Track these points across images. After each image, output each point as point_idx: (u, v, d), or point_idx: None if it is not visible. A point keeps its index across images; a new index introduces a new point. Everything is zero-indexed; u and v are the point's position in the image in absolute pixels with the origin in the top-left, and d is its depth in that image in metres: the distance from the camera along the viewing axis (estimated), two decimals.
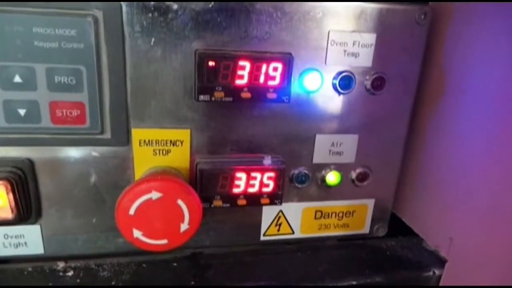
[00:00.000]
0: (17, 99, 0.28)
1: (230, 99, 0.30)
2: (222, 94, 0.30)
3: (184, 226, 0.28)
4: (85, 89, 0.29)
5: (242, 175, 0.32)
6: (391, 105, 0.35)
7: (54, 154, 0.30)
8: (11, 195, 0.28)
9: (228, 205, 0.33)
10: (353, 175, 0.36)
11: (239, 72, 0.30)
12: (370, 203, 0.38)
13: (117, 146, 0.31)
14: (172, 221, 0.28)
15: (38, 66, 0.28)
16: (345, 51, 0.33)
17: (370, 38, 0.33)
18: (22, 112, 0.29)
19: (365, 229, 0.39)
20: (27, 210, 0.30)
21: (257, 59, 0.30)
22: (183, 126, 0.31)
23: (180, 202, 0.27)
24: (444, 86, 0.35)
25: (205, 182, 0.32)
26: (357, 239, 0.39)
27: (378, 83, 0.34)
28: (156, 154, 0.32)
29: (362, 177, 0.36)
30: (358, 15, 0.32)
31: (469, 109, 0.33)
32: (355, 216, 0.38)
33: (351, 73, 0.33)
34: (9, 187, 0.28)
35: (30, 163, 0.30)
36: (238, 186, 0.33)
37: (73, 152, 0.30)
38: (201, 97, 0.30)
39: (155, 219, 0.27)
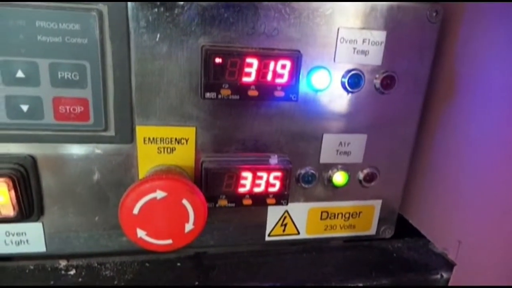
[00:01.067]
0: (19, 95, 0.28)
1: (237, 97, 0.29)
2: (228, 91, 0.29)
3: (189, 226, 0.27)
4: (89, 85, 0.28)
5: (248, 175, 0.32)
6: (400, 105, 0.34)
7: (57, 151, 0.30)
8: (13, 192, 0.28)
9: (233, 205, 0.32)
10: (361, 175, 0.36)
11: (247, 70, 0.29)
12: (377, 204, 0.37)
13: (121, 143, 0.30)
14: (176, 221, 0.27)
15: (41, 61, 0.27)
16: (354, 48, 0.32)
17: (380, 35, 0.32)
18: (24, 108, 0.28)
19: (372, 231, 0.38)
20: (29, 207, 0.30)
21: (265, 56, 0.29)
22: (188, 124, 0.31)
23: (185, 201, 0.27)
24: (455, 86, 0.35)
25: (210, 181, 0.31)
26: (363, 241, 0.39)
27: (387, 82, 0.33)
28: (160, 152, 0.31)
29: (369, 178, 0.36)
30: (369, 12, 0.31)
31: (480, 109, 0.32)
32: (361, 217, 0.37)
33: (360, 71, 0.32)
34: (11, 184, 0.28)
35: (33, 160, 0.29)
36: (243, 186, 0.32)
37: (76, 149, 0.30)
38: (207, 95, 0.29)
39: (159, 219, 0.27)
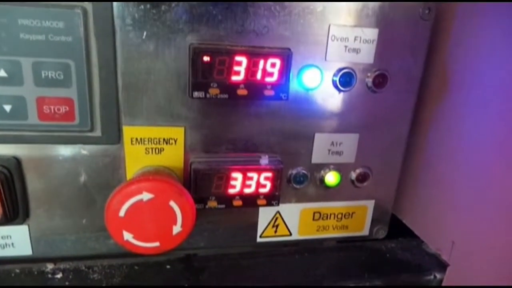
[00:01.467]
0: (2, 95, 0.27)
1: (225, 96, 0.29)
2: (217, 90, 0.28)
3: (176, 229, 0.27)
4: (74, 84, 0.28)
5: (238, 175, 0.31)
6: (392, 103, 0.34)
7: (42, 152, 0.29)
8: None
9: (223, 206, 0.32)
10: (353, 175, 0.35)
11: (235, 68, 0.28)
12: (370, 204, 0.37)
13: (107, 144, 0.29)
14: (164, 223, 0.26)
15: (24, 60, 0.27)
16: (346, 46, 0.31)
17: (372, 33, 0.31)
18: (7, 108, 0.27)
19: (365, 231, 0.38)
20: (13, 210, 0.29)
21: (254, 55, 0.28)
22: (176, 123, 0.30)
23: (172, 203, 0.26)
24: (448, 84, 0.34)
25: (199, 183, 0.31)
26: (356, 241, 0.38)
27: (379, 81, 0.32)
28: (148, 152, 0.30)
29: (362, 178, 0.35)
30: (360, 9, 0.31)
31: (474, 108, 0.32)
32: (354, 218, 0.37)
33: (352, 70, 0.32)
34: None
35: (17, 161, 0.28)
36: (233, 187, 0.31)
37: (62, 150, 0.29)
38: (196, 94, 0.28)
39: (147, 221, 0.26)
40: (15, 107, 0.27)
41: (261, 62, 0.29)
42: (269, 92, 0.29)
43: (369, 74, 0.32)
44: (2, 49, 0.26)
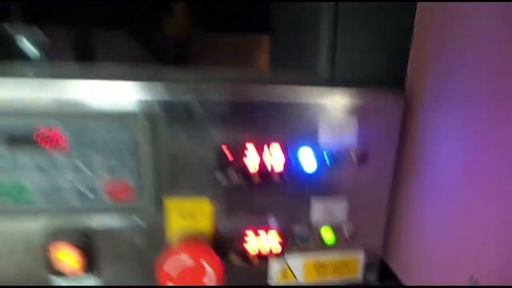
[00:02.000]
0: (84, 184, 0.38)
1: (244, 182, 0.39)
2: (237, 178, 0.38)
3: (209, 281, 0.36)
4: (133, 173, 0.38)
5: (251, 234, 0.41)
6: (375, 175, 0.43)
7: (110, 223, 0.40)
8: (80, 258, 0.38)
9: (240, 259, 0.41)
10: (346, 232, 0.44)
11: (251, 161, 0.38)
12: (361, 255, 0.45)
13: (155, 215, 0.40)
14: (199, 278, 0.36)
15: (97, 157, 0.38)
16: (333, 132, 0.41)
17: (354, 122, 0.41)
18: (88, 193, 0.38)
19: (358, 277, 0.46)
20: (89, 265, 0.40)
21: (264, 150, 0.38)
22: (206, 197, 0.40)
23: (204, 263, 0.36)
24: (418, 159, 0.42)
25: (222, 243, 0.40)
26: (352, 285, 0.46)
27: (362, 158, 0.41)
28: (184, 219, 0.40)
29: (353, 234, 0.44)
30: (343, 105, 0.40)
31: (438, 179, 0.40)
32: (349, 266, 0.45)
33: (340, 150, 0.41)
34: (79, 251, 0.38)
35: (93, 231, 0.39)
36: (249, 244, 0.41)
37: (123, 222, 0.40)
38: (221, 180, 0.38)
39: (187, 277, 0.36)
40: (94, 192, 0.38)
41: (271, 156, 0.39)
42: (276, 179, 0.39)
43: (353, 153, 0.41)
44: (81, 151, 0.37)
